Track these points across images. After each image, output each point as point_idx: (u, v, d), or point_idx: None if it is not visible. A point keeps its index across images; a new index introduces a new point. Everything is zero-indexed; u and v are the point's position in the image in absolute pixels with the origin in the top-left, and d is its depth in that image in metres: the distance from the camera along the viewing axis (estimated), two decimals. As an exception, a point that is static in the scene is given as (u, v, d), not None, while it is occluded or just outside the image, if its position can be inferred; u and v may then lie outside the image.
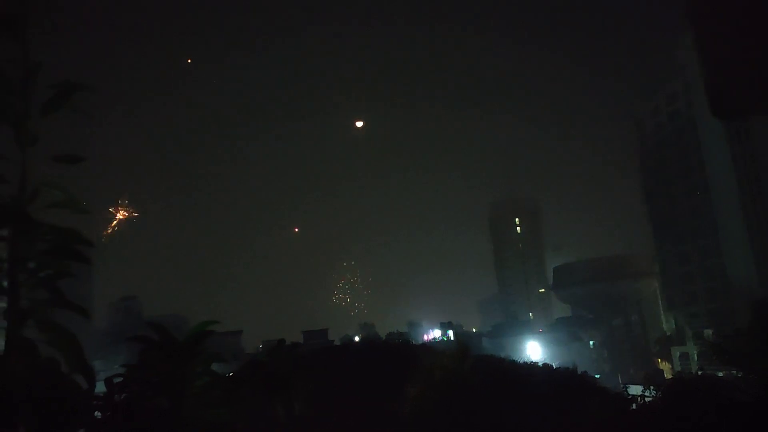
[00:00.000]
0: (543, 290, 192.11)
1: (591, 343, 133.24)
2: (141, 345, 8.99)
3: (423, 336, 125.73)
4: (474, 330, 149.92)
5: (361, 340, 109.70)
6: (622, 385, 45.93)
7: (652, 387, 35.06)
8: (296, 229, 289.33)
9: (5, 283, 5.42)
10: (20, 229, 5.45)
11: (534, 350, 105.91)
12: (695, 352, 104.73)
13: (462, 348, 36.38)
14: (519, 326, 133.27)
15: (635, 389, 38.29)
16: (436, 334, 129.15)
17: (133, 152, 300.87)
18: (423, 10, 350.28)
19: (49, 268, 5.77)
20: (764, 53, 2.53)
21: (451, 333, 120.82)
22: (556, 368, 41.99)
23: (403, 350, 45.25)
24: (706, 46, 2.65)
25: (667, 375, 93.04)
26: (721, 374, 39.38)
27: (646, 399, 34.41)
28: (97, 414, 8.51)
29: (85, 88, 6.07)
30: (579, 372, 39.57)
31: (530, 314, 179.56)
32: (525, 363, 47.54)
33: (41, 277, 5.71)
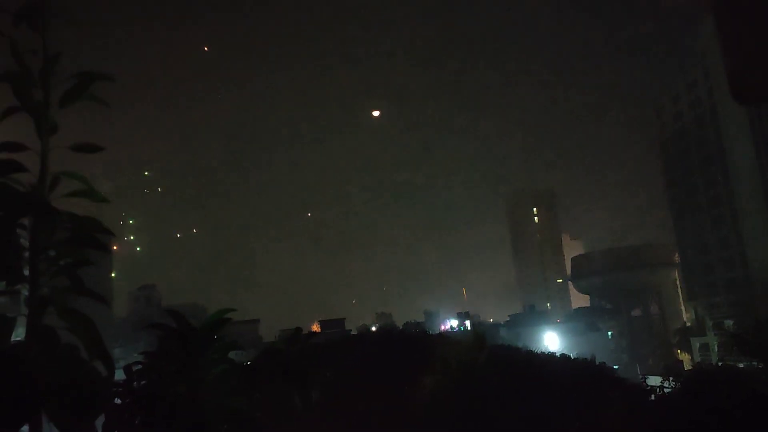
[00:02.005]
0: (561, 280, 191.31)
1: (609, 333, 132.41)
2: (159, 333, 9.08)
3: (440, 326, 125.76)
4: (491, 320, 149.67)
5: (377, 329, 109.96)
6: (640, 376, 45.61)
7: (671, 378, 34.78)
8: (309, 214, 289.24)
9: (26, 271, 5.51)
10: (40, 217, 5.53)
11: (552, 341, 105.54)
12: (715, 343, 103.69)
13: (478, 338, 36.33)
14: (536, 316, 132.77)
15: (654, 380, 38.01)
16: (453, 323, 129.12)
17: (154, 144, 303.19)
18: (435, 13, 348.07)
19: (69, 256, 5.85)
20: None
21: (468, 323, 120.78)
22: (574, 359, 41.79)
23: (419, 340, 45.28)
24: (727, 29, 2.60)
25: (687, 366, 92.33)
26: (741, 365, 38.96)
27: (665, 390, 34.14)
28: (117, 401, 8.63)
29: (105, 78, 6.11)
30: (597, 362, 39.37)
31: (548, 304, 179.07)
32: (542, 353, 47.34)
33: (61, 265, 5.79)
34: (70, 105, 5.80)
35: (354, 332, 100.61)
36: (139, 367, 8.94)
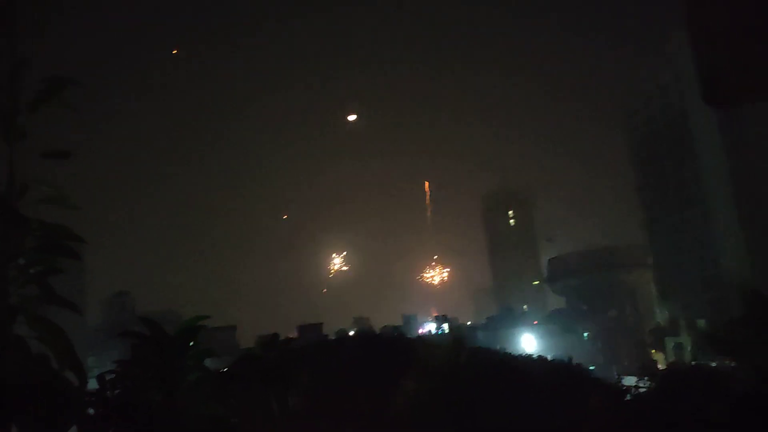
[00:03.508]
0: (537, 282, 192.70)
1: (585, 334, 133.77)
2: (133, 341, 8.95)
3: (418, 329, 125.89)
4: (469, 323, 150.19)
5: (355, 333, 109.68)
6: (616, 376, 46.15)
7: (646, 377, 35.24)
8: (285, 216, 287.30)
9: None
10: (9, 225, 5.39)
11: (529, 342, 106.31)
12: (689, 342, 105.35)
13: (457, 341, 36.50)
14: (514, 318, 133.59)
15: (629, 380, 38.48)
16: (431, 327, 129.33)
17: (119, 146, 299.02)
18: (411, 6, 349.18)
19: (39, 264, 5.72)
20: (756, 40, 2.51)
21: (446, 326, 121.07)
22: (551, 360, 42.14)
23: (397, 344, 45.29)
24: (699, 35, 2.63)
25: (661, 365, 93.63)
26: (714, 364, 39.60)
27: (641, 390, 34.58)
28: (90, 411, 8.48)
29: (74, 83, 6.00)
30: (574, 363, 39.75)
31: (525, 306, 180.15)
32: (520, 355, 47.69)
33: (31, 273, 5.67)
34: (39, 110, 5.69)
35: (332, 337, 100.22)
36: (113, 375, 8.80)
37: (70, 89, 6.03)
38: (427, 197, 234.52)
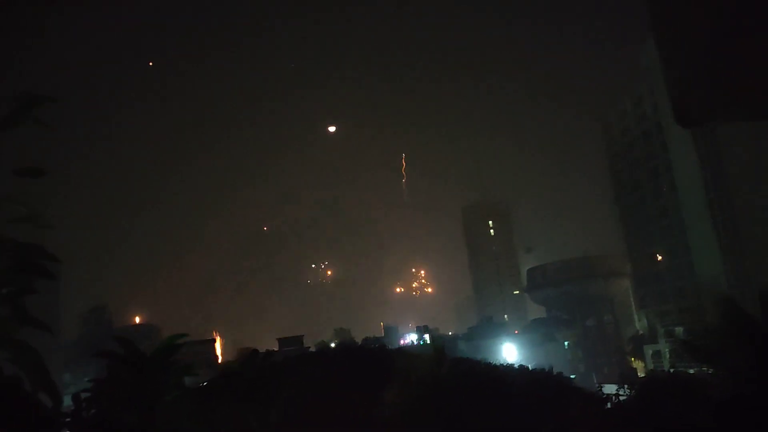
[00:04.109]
0: (517, 292, 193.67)
1: (566, 343, 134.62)
2: (109, 360, 8.80)
3: (399, 340, 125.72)
4: (450, 333, 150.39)
5: (336, 345, 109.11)
6: (597, 385, 46.43)
7: (626, 386, 35.50)
8: (265, 228, 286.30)
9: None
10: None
11: (510, 352, 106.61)
12: (667, 349, 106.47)
13: (438, 351, 36.44)
14: (494, 328, 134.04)
15: (610, 388, 38.74)
16: (412, 338, 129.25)
17: (95, 160, 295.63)
18: (386, 22, 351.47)
19: (12, 284, 5.62)
20: (724, 62, 2.56)
21: (427, 336, 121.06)
22: (532, 370, 42.26)
23: (379, 355, 45.11)
24: (668, 56, 2.68)
25: (641, 373, 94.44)
26: (692, 371, 40.04)
27: (621, 398, 34.82)
28: None
29: (47, 100, 5.92)
30: (555, 373, 39.89)
31: (505, 316, 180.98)
32: (501, 365, 47.75)
33: (3, 293, 5.56)
34: (11, 127, 5.60)
35: (313, 349, 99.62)
36: (89, 395, 8.63)
37: (46, 106, 5.95)
38: (403, 169, 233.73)
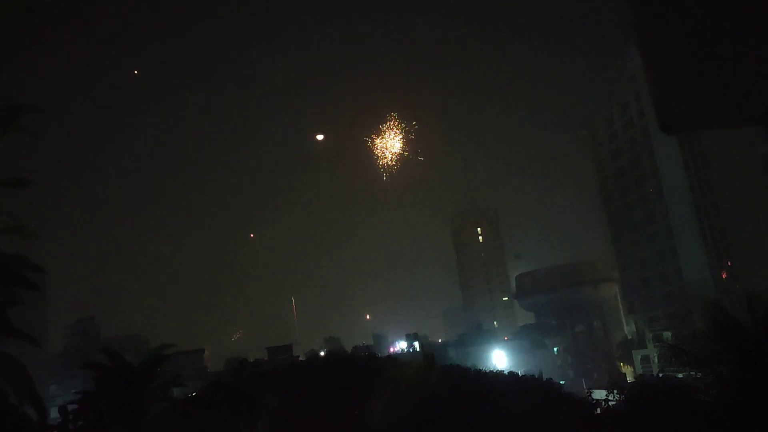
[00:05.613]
0: (506, 298, 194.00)
1: (555, 349, 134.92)
2: (96, 372, 8.72)
3: (389, 348, 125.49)
4: (440, 340, 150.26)
5: (326, 354, 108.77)
6: (586, 390, 46.60)
7: (615, 391, 35.62)
8: (252, 235, 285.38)
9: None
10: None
11: (499, 359, 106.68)
12: (655, 355, 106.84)
13: (428, 359, 36.39)
14: (484, 335, 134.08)
15: (599, 393, 38.85)
16: (402, 345, 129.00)
17: (81, 170, 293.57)
18: (374, 32, 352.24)
19: (-3, 296, 5.55)
20: (709, 70, 2.59)
21: (416, 344, 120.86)
22: (522, 376, 42.36)
23: (369, 363, 45.01)
24: (651, 64, 2.70)
25: (630, 378, 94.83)
26: (680, 376, 40.16)
27: (610, 403, 34.93)
28: (52, 444, 8.21)
29: (33, 110, 5.87)
30: (544, 379, 40.00)
31: (495, 323, 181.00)
32: (491, 372, 47.82)
33: (-12, 305, 5.49)
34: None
35: (302, 358, 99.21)
36: (75, 407, 8.53)
37: (32, 116, 5.90)
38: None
